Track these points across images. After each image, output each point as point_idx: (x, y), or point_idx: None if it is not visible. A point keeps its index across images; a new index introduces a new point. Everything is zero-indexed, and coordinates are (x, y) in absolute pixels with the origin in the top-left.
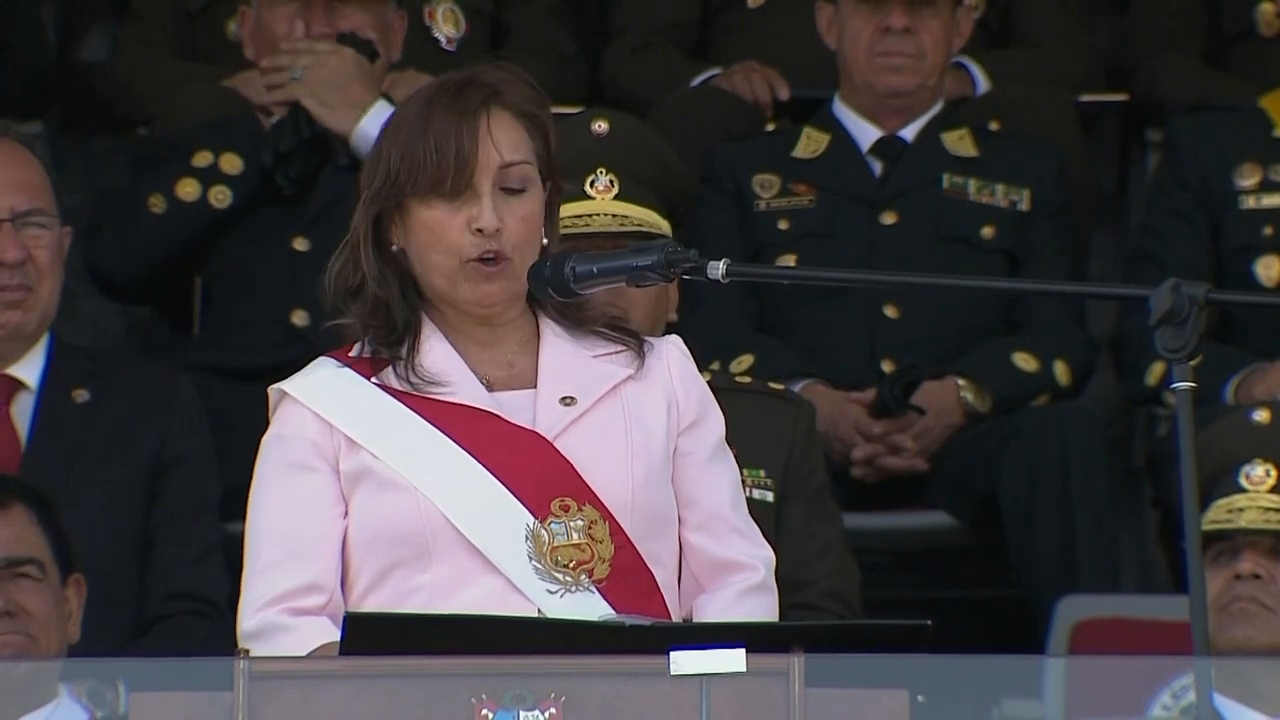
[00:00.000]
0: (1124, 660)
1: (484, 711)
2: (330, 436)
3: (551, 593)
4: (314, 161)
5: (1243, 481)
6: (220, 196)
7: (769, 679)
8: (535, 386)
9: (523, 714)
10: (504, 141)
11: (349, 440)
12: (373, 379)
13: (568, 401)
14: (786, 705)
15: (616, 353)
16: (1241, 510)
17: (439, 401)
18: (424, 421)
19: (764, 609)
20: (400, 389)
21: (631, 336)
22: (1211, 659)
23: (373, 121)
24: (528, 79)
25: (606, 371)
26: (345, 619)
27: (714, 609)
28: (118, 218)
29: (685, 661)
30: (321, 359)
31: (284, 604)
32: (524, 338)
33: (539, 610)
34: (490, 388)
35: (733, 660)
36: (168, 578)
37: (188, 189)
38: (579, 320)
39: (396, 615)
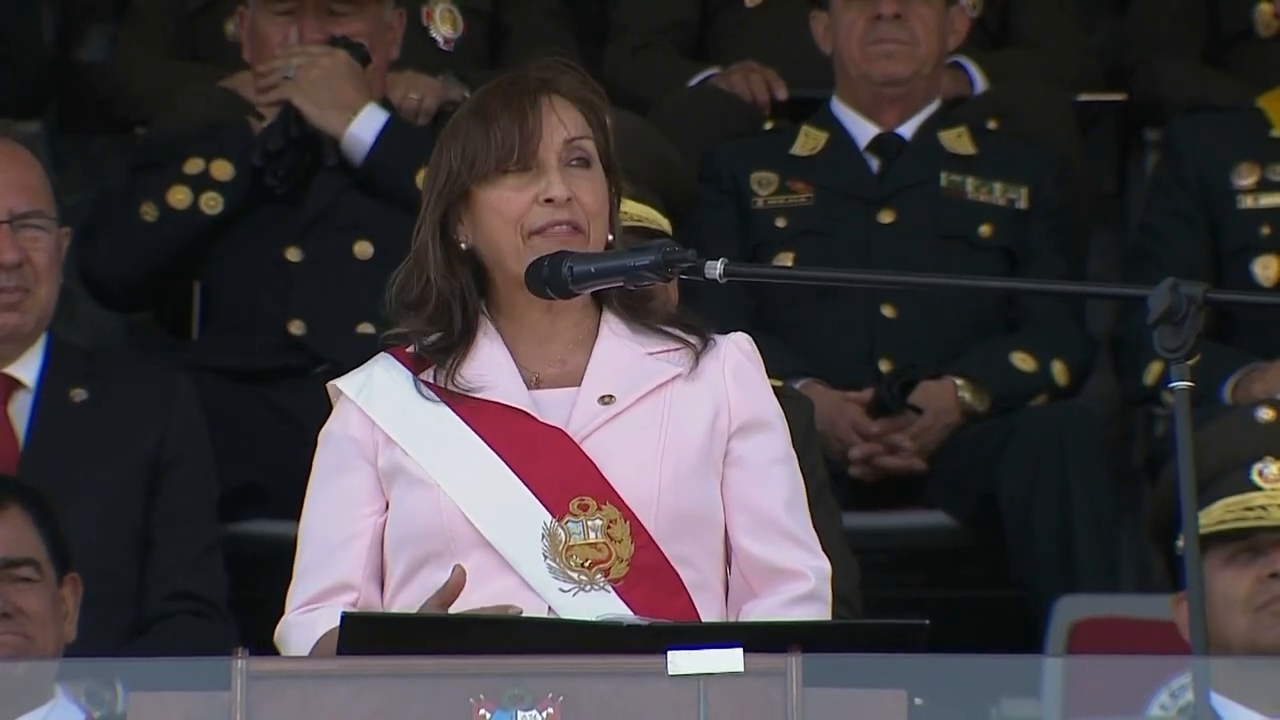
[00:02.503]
0: (1122, 660)
1: (482, 711)
2: (372, 433)
3: (565, 591)
4: (304, 162)
5: (1256, 479)
6: (212, 203)
7: (767, 679)
8: (581, 384)
9: (520, 714)
10: (568, 119)
11: (387, 437)
12: (418, 375)
13: (606, 400)
14: (784, 705)
15: (673, 350)
16: (1264, 508)
17: (475, 399)
18: (456, 419)
19: (812, 618)
20: (441, 385)
21: (696, 334)
22: (1209, 659)
23: (364, 125)
24: (584, 73)
25: (655, 369)
26: (342, 619)
27: (759, 615)
28: (111, 226)
29: (683, 661)
30: (380, 355)
31: (311, 606)
32: (581, 335)
33: (550, 609)
34: (538, 385)
35: (730, 660)
36: (167, 578)
37: (179, 196)
38: (644, 317)
39: (394, 615)
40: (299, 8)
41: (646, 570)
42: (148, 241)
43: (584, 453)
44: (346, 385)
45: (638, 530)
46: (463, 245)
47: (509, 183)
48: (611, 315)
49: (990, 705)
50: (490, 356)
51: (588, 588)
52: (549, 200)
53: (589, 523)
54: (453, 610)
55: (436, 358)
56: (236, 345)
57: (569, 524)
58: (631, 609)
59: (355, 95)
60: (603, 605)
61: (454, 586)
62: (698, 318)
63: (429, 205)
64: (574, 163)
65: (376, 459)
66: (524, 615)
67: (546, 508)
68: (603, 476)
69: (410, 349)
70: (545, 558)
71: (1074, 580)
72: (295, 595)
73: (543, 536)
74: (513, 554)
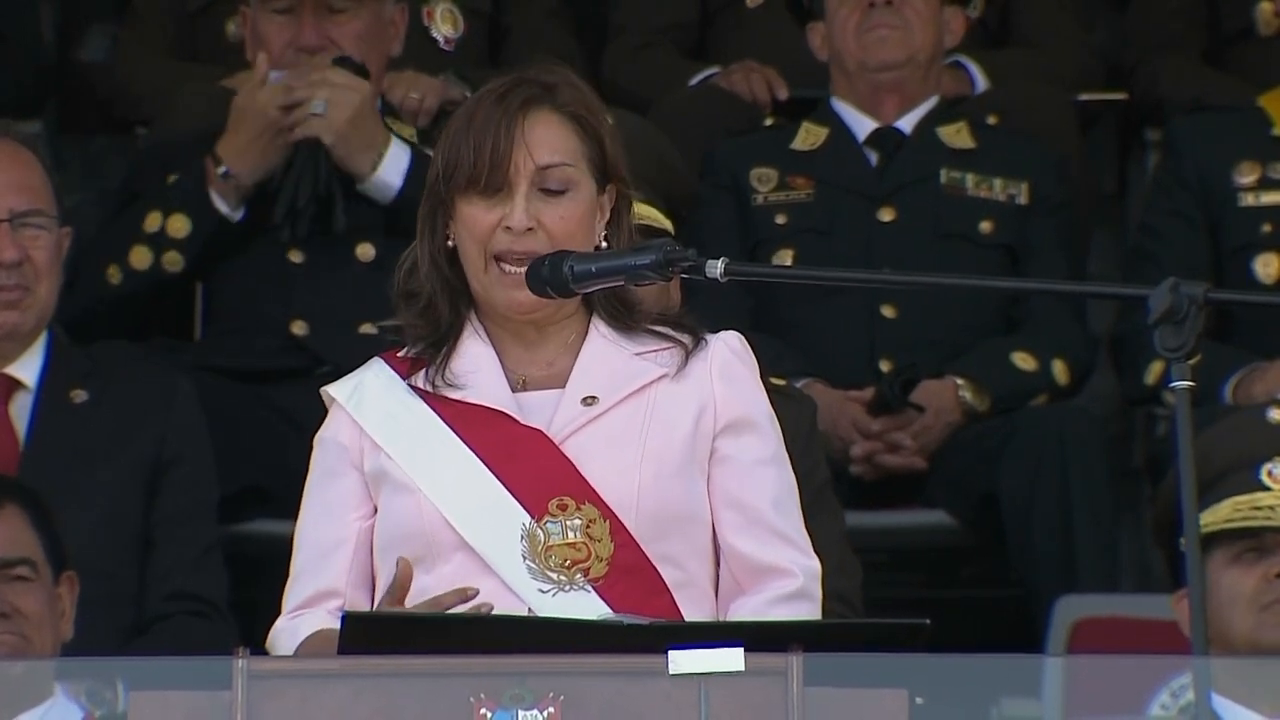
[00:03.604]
0: (1123, 660)
1: (483, 711)
2: (359, 438)
3: (544, 592)
4: (327, 216)
5: (1265, 479)
6: (172, 261)
7: (767, 678)
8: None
9: (521, 713)
10: (542, 143)
11: (373, 441)
12: (407, 379)
13: (589, 401)
14: (785, 705)
15: (662, 350)
16: (1272, 508)
17: (459, 402)
18: (440, 422)
19: (799, 617)
20: (428, 390)
21: (686, 333)
22: (1210, 658)
23: (391, 167)
24: (580, 82)
25: (640, 370)
26: (343, 619)
27: (746, 613)
28: (82, 290)
29: (684, 661)
30: (373, 359)
31: (300, 611)
32: (570, 338)
33: (530, 610)
34: (524, 387)
35: (731, 659)
36: (167, 578)
37: (140, 257)
38: (630, 319)
39: (394, 615)
40: (298, 6)
41: (627, 569)
42: (116, 303)
43: (563, 453)
44: (338, 392)
45: (617, 529)
46: (450, 244)
47: (479, 202)
48: (600, 319)
49: (991, 705)
50: (476, 356)
51: (567, 588)
52: (509, 228)
53: (568, 523)
54: (410, 602)
55: (427, 354)
56: (238, 346)
57: (548, 524)
58: (611, 608)
59: (379, 132)
60: (582, 605)
61: (402, 581)
62: (690, 317)
63: (424, 196)
64: (546, 189)
65: (363, 464)
66: (522, 615)
67: (525, 509)
68: (582, 477)
69: (403, 353)
70: (524, 559)
71: (1074, 580)
72: (288, 600)
73: (522, 537)
74: (492, 556)
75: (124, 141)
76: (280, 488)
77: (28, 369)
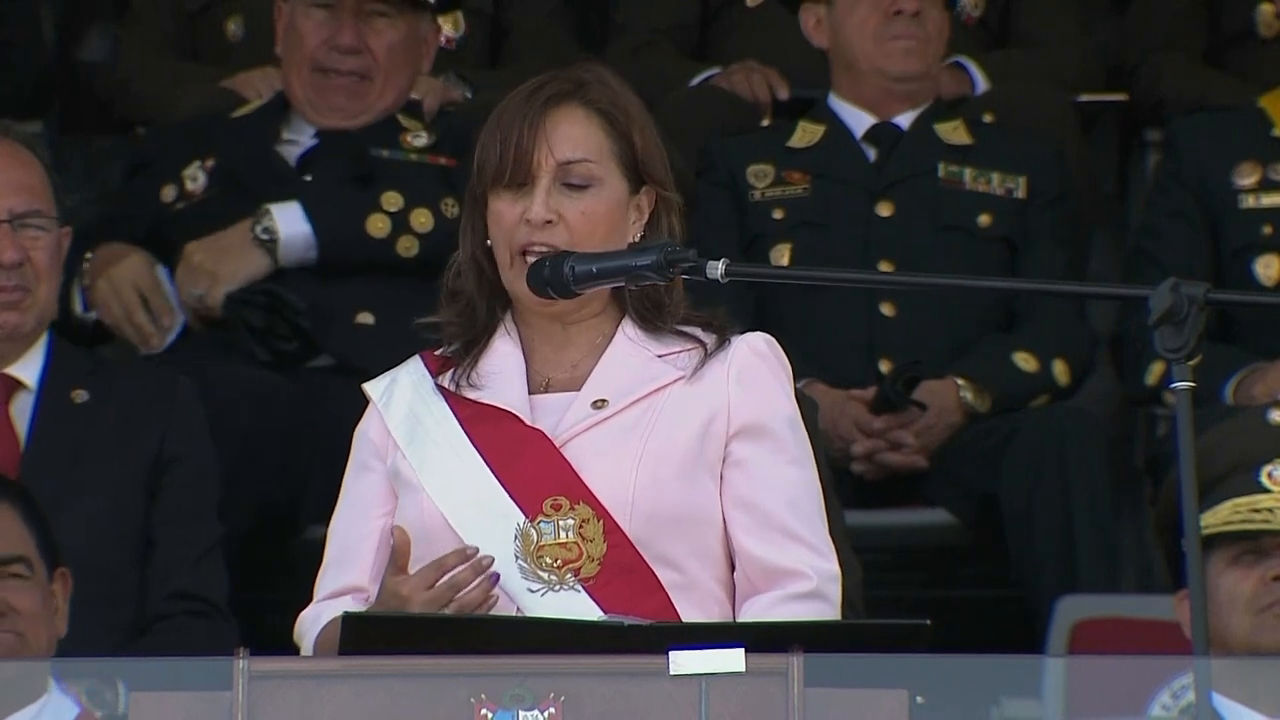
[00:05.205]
0: (1123, 660)
1: (483, 711)
2: (386, 436)
3: (533, 592)
4: (294, 322)
5: (1265, 481)
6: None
7: (768, 679)
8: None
9: (522, 714)
10: (565, 139)
11: (394, 440)
12: (436, 378)
13: (599, 404)
14: (786, 705)
15: (685, 351)
16: (1270, 511)
17: (475, 402)
18: (454, 422)
19: (806, 617)
20: (451, 389)
21: (715, 333)
22: (1211, 659)
23: (285, 224)
24: (615, 81)
25: (658, 373)
26: (343, 619)
27: (753, 613)
28: None
29: (684, 661)
30: (413, 357)
31: (325, 602)
32: (597, 339)
33: (518, 609)
34: (547, 389)
35: (732, 660)
36: (168, 577)
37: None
38: (659, 320)
39: (394, 615)
40: (338, 3)
41: (620, 569)
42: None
43: (560, 454)
44: (372, 389)
45: (611, 529)
46: (488, 242)
47: (505, 196)
48: (629, 321)
49: (991, 705)
50: (504, 357)
51: (557, 587)
52: (529, 220)
53: (560, 522)
54: (439, 613)
55: (458, 354)
56: (236, 339)
57: (541, 524)
58: (601, 608)
59: (232, 237)
60: (572, 605)
61: (400, 549)
62: (720, 316)
63: (464, 199)
64: (570, 184)
65: (387, 460)
66: (523, 616)
67: (521, 508)
68: (578, 477)
69: (440, 351)
70: (517, 558)
71: (1075, 580)
72: (318, 589)
73: (515, 537)
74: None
75: (124, 142)
76: (293, 483)
77: (28, 369)
